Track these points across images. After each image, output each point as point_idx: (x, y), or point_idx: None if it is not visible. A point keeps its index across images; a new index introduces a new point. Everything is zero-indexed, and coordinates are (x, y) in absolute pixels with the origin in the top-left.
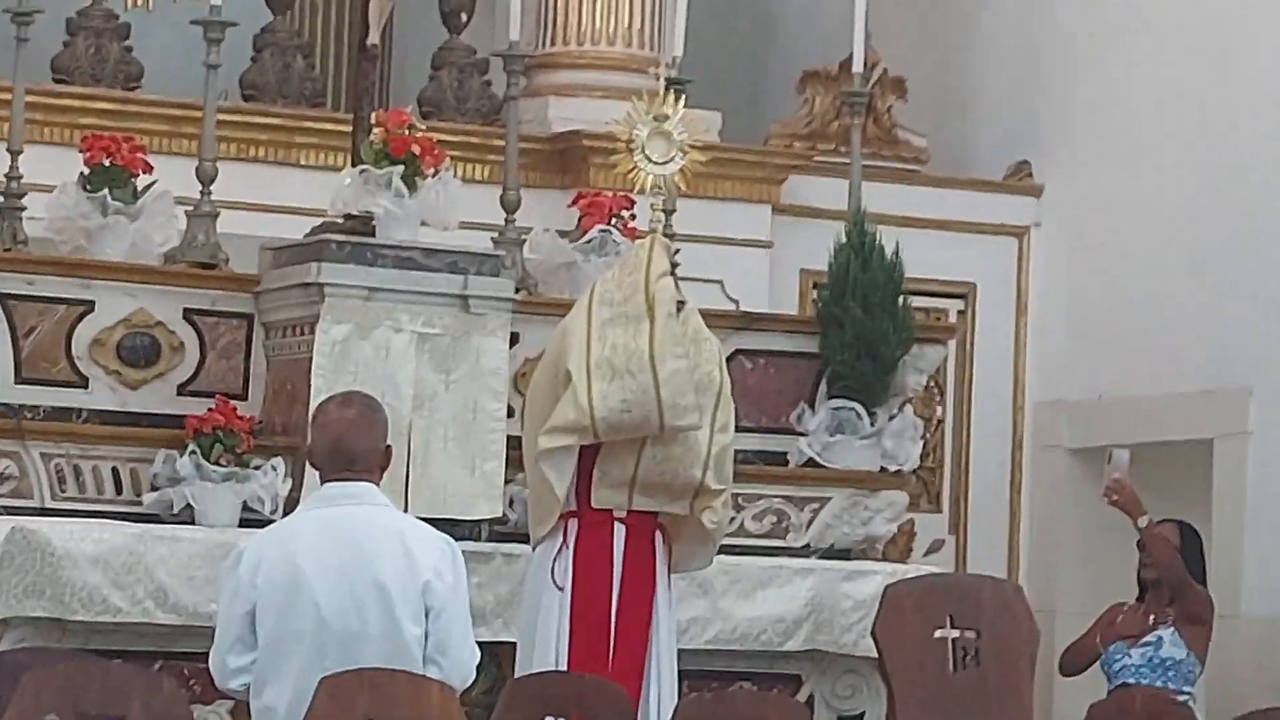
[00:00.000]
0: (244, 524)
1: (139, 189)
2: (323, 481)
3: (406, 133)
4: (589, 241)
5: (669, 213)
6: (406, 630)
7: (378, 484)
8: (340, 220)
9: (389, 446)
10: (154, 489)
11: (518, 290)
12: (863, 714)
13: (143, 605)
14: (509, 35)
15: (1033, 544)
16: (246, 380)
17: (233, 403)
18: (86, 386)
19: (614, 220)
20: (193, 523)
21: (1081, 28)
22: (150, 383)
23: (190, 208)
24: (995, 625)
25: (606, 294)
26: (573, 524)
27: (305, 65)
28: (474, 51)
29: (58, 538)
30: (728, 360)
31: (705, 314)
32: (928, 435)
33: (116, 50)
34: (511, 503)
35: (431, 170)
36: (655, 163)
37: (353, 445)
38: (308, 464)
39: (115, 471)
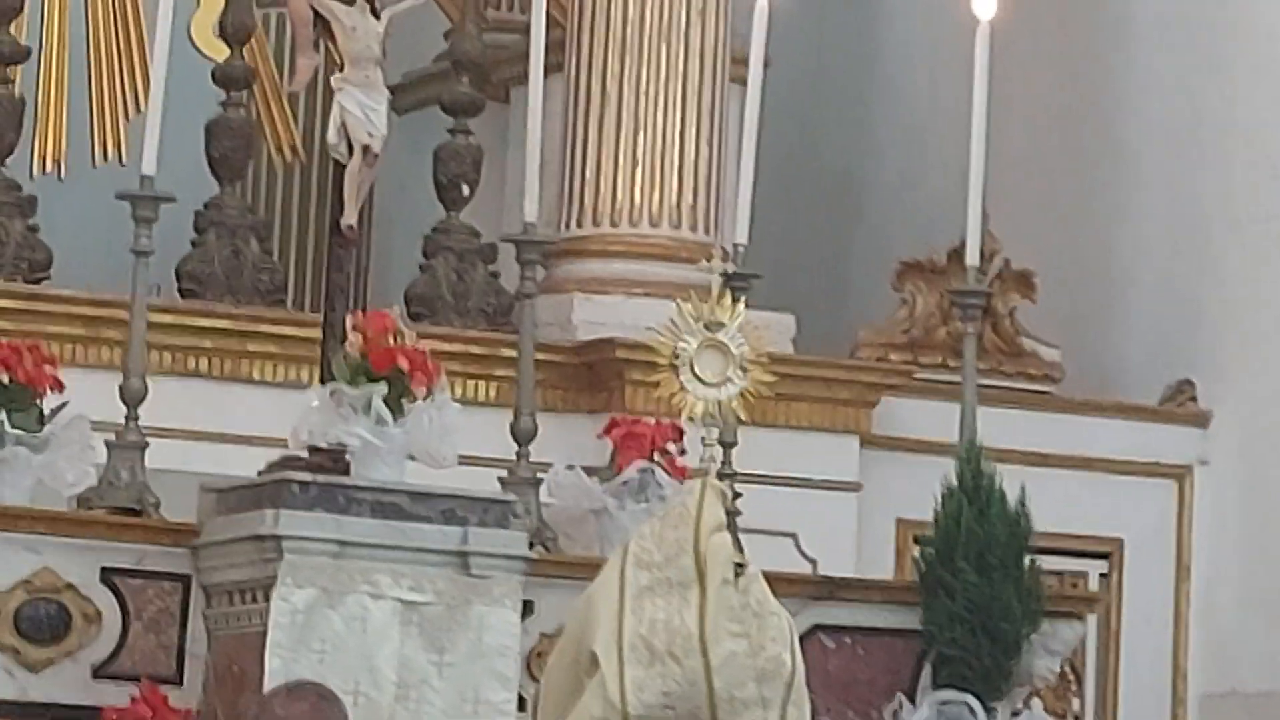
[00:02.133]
0: None
1: (45, 413)
2: None
3: (392, 342)
4: (625, 483)
5: (727, 446)
6: None
7: None
8: (305, 454)
9: None
10: None
11: (532, 546)
12: None
13: None
14: (523, 214)
15: None
16: (181, 660)
17: (163, 689)
18: None
19: (658, 456)
20: None
21: (1254, 210)
22: (57, 663)
23: (111, 436)
24: None
25: (644, 553)
26: None
27: (261, 251)
28: (478, 235)
29: None
30: (802, 639)
31: (773, 579)
32: None
33: (19, 231)
34: None
35: (423, 390)
36: (708, 384)
37: None
38: None
39: None
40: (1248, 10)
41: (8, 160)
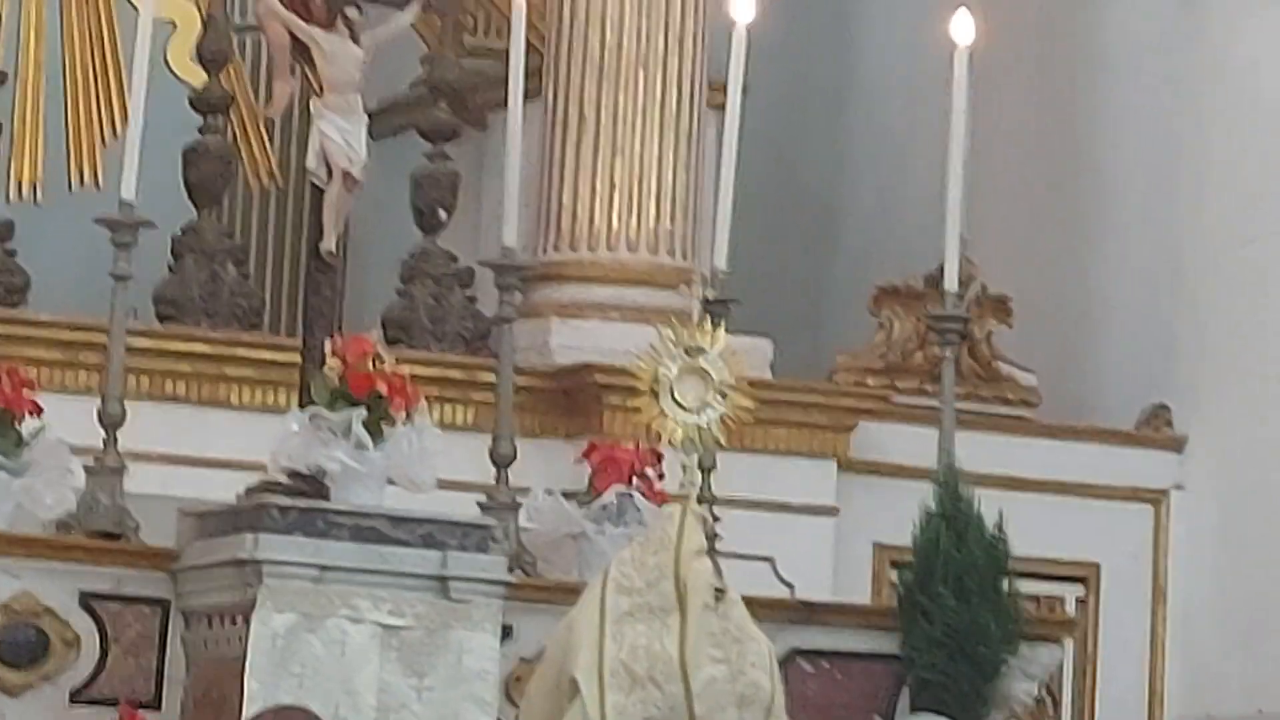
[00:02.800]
0: None
1: (24, 437)
2: None
3: (371, 366)
4: (604, 507)
5: (706, 471)
6: None
7: None
8: (284, 479)
9: None
10: None
11: (511, 570)
12: None
13: None
14: (501, 239)
15: None
16: (160, 684)
17: (142, 714)
18: None
19: (636, 480)
20: None
21: (1229, 236)
22: (35, 688)
23: (90, 460)
24: None
25: (625, 579)
26: None
27: (238, 276)
28: (455, 259)
29: None
30: (781, 664)
31: (752, 603)
32: None
33: None
34: None
35: (402, 414)
36: (687, 409)
37: None
38: None
39: None
40: (1223, 39)
41: None
